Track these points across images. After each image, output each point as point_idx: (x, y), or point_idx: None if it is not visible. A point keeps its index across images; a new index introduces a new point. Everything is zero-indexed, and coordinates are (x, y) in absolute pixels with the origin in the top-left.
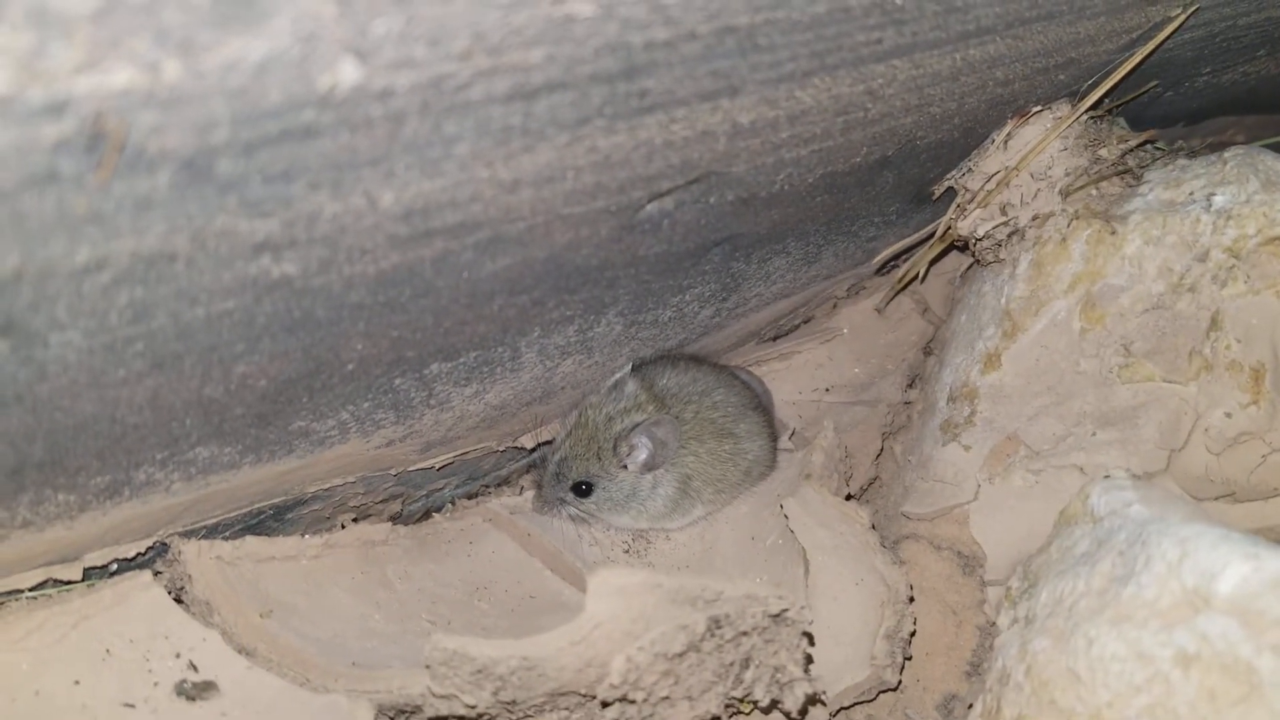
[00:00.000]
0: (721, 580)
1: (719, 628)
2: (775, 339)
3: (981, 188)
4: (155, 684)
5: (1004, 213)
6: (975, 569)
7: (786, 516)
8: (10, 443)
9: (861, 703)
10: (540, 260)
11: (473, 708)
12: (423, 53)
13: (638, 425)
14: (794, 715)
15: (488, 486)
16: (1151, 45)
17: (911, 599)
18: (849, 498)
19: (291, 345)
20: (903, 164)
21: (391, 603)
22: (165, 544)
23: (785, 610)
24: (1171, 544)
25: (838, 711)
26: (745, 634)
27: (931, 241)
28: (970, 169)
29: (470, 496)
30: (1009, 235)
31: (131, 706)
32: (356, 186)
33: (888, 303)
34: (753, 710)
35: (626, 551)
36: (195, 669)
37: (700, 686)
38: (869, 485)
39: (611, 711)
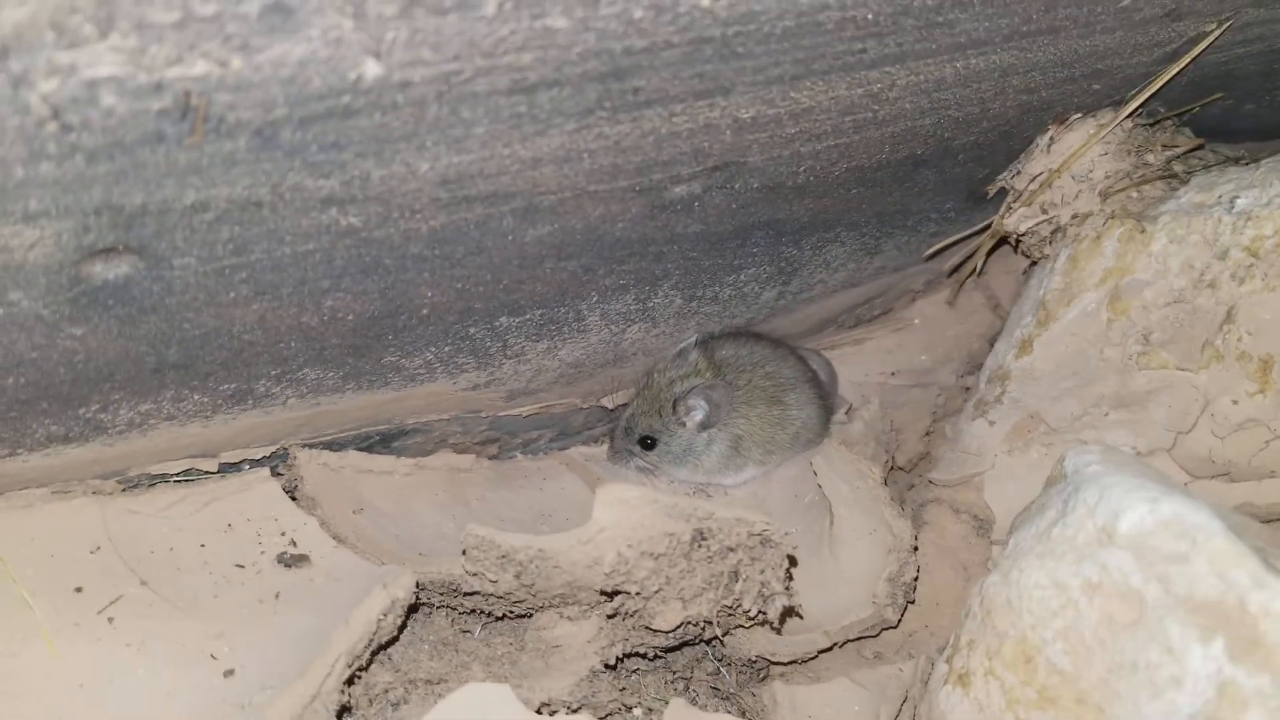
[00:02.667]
0: (715, 505)
1: (704, 539)
2: (854, 326)
3: (1026, 188)
4: (262, 553)
5: (1045, 211)
6: (987, 530)
7: (815, 472)
8: (150, 344)
9: (867, 637)
10: (579, 230)
11: (495, 584)
12: (429, 55)
13: (695, 388)
14: (775, 625)
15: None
16: (1185, 59)
17: (915, 548)
18: (894, 468)
19: (369, 286)
20: (940, 163)
21: (465, 516)
22: (285, 451)
23: (770, 534)
24: (1093, 490)
25: (845, 643)
26: (732, 549)
27: (983, 237)
28: (1019, 170)
29: (563, 450)
30: (1052, 232)
31: (241, 567)
32: (396, 156)
33: (955, 295)
34: (752, 625)
35: None
36: (295, 545)
37: (692, 590)
38: (919, 460)
39: (614, 603)
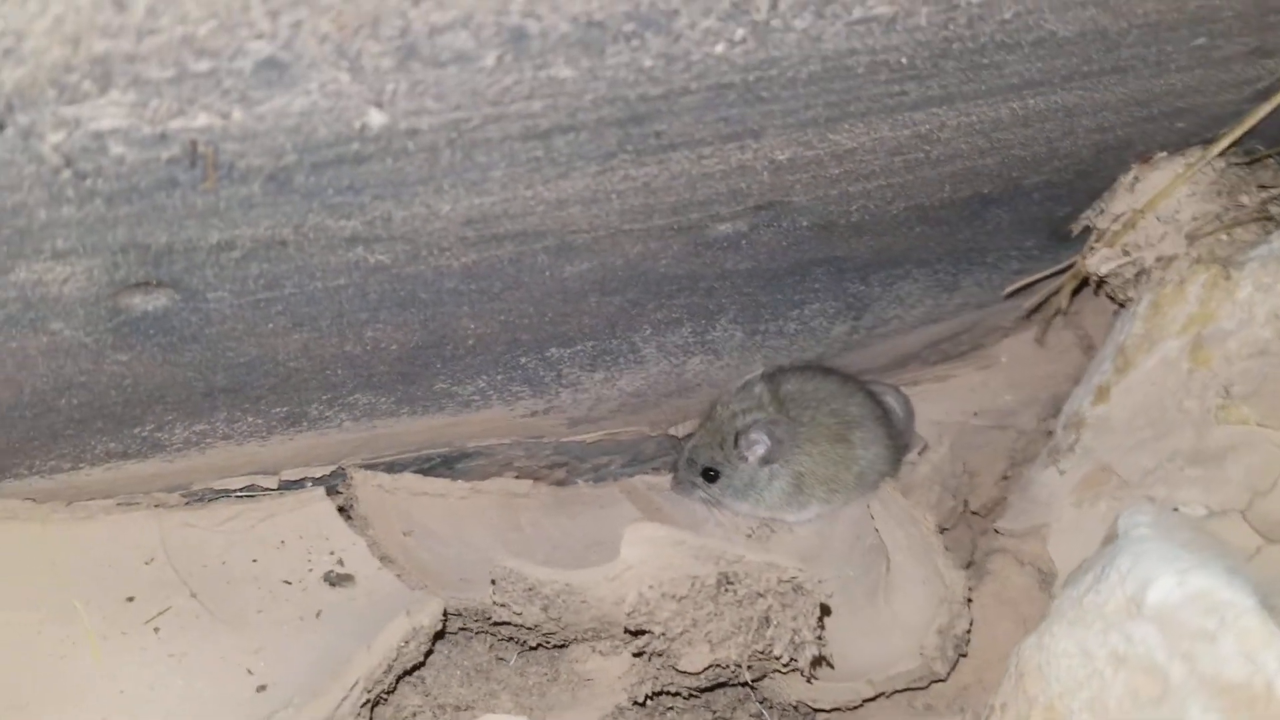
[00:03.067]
0: (745, 548)
1: (730, 583)
2: (938, 362)
3: (1109, 228)
4: (310, 570)
5: (1128, 253)
6: (1049, 585)
7: (873, 516)
8: (196, 370)
9: (916, 688)
10: (619, 267)
11: (520, 615)
12: (433, 104)
13: (757, 422)
14: (806, 673)
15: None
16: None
17: (969, 600)
18: (970, 513)
19: (408, 318)
20: (1012, 201)
21: (516, 542)
22: (343, 471)
23: (803, 582)
24: (1128, 557)
25: (894, 693)
26: (761, 595)
27: (1065, 277)
28: (1102, 209)
29: (627, 478)
30: (1135, 275)
31: (289, 584)
32: (414, 199)
33: (1043, 334)
34: (788, 670)
35: (749, 536)
36: (342, 564)
37: (720, 634)
38: (994, 506)
39: (640, 641)
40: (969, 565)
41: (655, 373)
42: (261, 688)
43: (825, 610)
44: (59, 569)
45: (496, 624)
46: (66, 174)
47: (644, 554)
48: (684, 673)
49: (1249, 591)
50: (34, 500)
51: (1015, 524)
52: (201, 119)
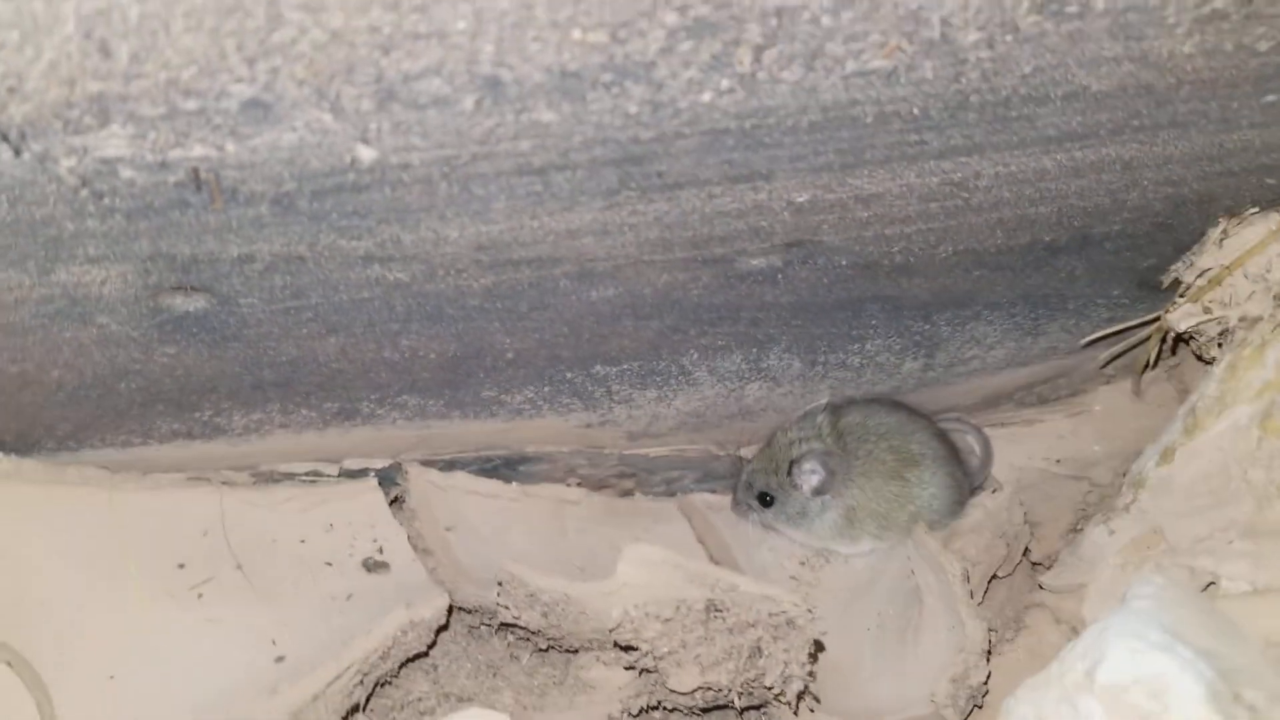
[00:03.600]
0: (744, 578)
1: (719, 610)
2: (1031, 405)
3: (1194, 283)
4: (350, 555)
5: (1211, 310)
6: None
7: (909, 558)
8: (243, 365)
9: None
10: (649, 294)
11: (518, 618)
12: (419, 141)
13: (810, 452)
14: (793, 705)
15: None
16: None
17: (988, 652)
18: (1033, 564)
19: (440, 331)
20: (1082, 250)
21: (558, 546)
22: (401, 464)
23: (795, 616)
24: (1096, 629)
25: None
26: (752, 625)
27: (1151, 330)
28: (1190, 263)
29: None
30: (1220, 334)
31: (330, 565)
32: (420, 224)
33: (1138, 387)
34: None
35: (802, 564)
36: (381, 552)
37: (710, 658)
38: (1056, 558)
39: (631, 656)
40: (1013, 617)
41: (711, 395)
42: (280, 659)
43: (819, 646)
44: (121, 532)
45: (505, 625)
46: (84, 193)
47: (639, 574)
48: (675, 691)
49: (1199, 680)
50: (109, 470)
51: (1058, 580)
52: (198, 150)
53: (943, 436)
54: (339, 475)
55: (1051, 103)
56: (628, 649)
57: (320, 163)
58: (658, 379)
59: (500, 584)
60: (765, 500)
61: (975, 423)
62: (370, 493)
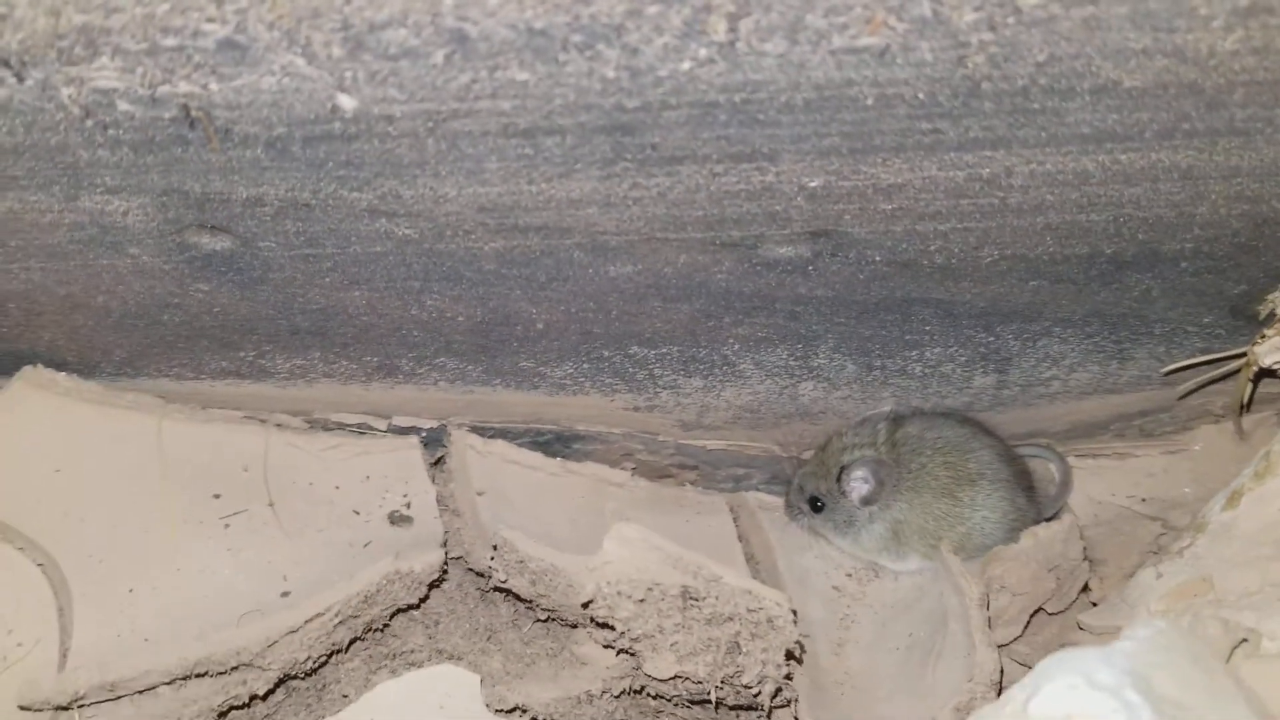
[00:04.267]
0: (730, 571)
1: (694, 599)
2: (1129, 438)
3: None
4: (380, 506)
5: None
6: None
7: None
8: (276, 309)
9: None
10: (671, 275)
11: (506, 582)
12: (396, 94)
13: (860, 460)
14: (765, 706)
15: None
16: None
17: (999, 684)
18: (1092, 603)
19: (462, 292)
20: (1155, 268)
21: (590, 525)
22: (446, 426)
23: (775, 616)
24: (1048, 661)
25: None
26: (729, 619)
27: (1240, 363)
28: None
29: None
30: None
31: (358, 514)
32: (416, 179)
33: (1239, 427)
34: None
35: (849, 575)
36: (409, 507)
37: (687, 647)
38: None
39: (611, 634)
40: None
41: (763, 391)
42: (285, 594)
43: (801, 648)
44: (165, 458)
45: (498, 589)
46: (90, 122)
47: (622, 552)
48: (653, 678)
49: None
50: (164, 399)
51: (1098, 620)
52: (184, 86)
53: (1012, 459)
54: (387, 430)
55: (1078, 96)
56: (604, 626)
57: (304, 109)
58: (701, 367)
59: (494, 547)
60: (816, 505)
61: (1060, 450)
62: (410, 450)
